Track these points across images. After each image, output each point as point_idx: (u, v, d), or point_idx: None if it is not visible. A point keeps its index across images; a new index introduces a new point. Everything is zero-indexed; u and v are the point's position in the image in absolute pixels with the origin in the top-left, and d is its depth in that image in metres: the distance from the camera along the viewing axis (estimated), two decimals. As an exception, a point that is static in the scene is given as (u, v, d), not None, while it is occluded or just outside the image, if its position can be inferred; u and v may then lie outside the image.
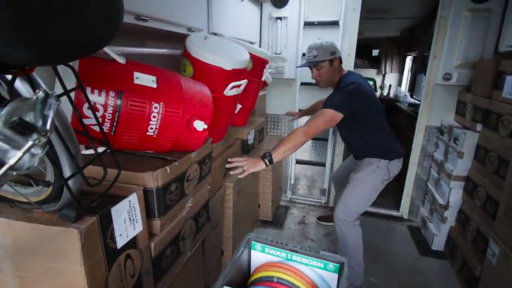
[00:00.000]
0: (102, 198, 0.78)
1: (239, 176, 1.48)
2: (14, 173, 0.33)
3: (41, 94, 0.35)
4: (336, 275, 0.68)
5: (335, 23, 2.32)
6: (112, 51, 0.89)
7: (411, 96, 4.31)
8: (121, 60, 0.90)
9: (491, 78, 1.74)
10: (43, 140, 0.33)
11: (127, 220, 0.81)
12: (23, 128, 0.32)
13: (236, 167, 1.50)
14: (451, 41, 2.09)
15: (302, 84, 2.56)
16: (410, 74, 4.92)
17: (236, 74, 1.27)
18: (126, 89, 0.87)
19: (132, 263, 0.85)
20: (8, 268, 0.73)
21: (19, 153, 0.31)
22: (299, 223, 2.49)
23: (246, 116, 1.83)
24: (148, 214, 0.93)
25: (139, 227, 0.86)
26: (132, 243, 0.84)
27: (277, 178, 2.56)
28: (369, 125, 1.64)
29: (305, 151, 2.98)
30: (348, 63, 2.35)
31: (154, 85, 0.92)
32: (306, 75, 2.60)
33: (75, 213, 0.67)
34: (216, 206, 1.55)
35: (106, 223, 0.74)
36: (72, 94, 0.71)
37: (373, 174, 1.63)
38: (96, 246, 0.71)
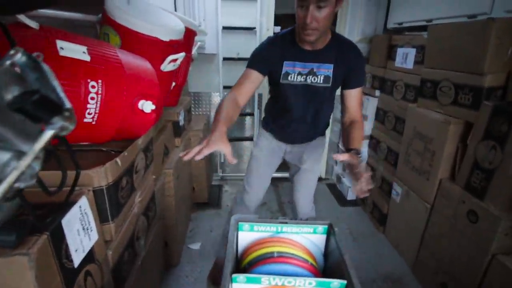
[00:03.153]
0: (43, 209, 0.59)
1: (197, 157, 0.80)
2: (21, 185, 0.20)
3: (19, 56, 0.22)
4: (324, 236, 0.73)
5: (252, -3, 2.30)
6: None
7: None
8: (34, 24, 0.66)
9: (385, 50, 2.09)
10: (71, 126, 0.21)
11: (80, 231, 0.65)
12: (42, 108, 0.19)
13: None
14: (352, 19, 2.38)
15: (225, 59, 2.48)
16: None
17: (173, 46, 1.13)
18: (49, 63, 0.65)
19: (92, 280, 0.70)
20: None
21: (37, 146, 0.19)
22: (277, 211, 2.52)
23: (178, 95, 1.67)
24: (100, 219, 0.77)
25: (94, 236, 0.70)
26: (89, 257, 0.68)
27: (209, 157, 2.50)
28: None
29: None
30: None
31: (87, 58, 0.72)
32: (229, 49, 2.53)
33: (15, 235, 0.49)
34: (159, 195, 1.41)
35: (58, 240, 0.57)
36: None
37: (322, 154, 1.41)
38: (52, 271, 0.54)
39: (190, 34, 1.49)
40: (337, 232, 0.69)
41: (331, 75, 1.09)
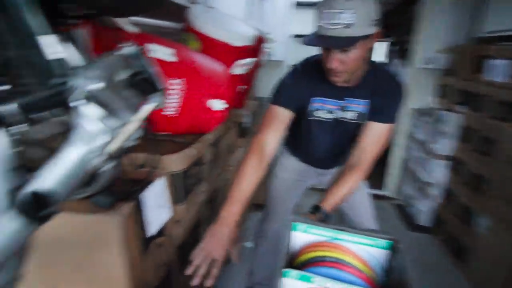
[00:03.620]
0: (130, 184, 0.71)
1: (209, 284, 0.71)
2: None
3: (130, 48, 0.29)
4: (386, 252, 0.68)
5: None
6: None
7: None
8: (131, 28, 0.80)
9: (473, 62, 1.85)
10: (163, 103, 0.27)
11: (157, 206, 0.75)
12: (144, 86, 0.26)
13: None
14: (432, 27, 2.17)
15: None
16: (387, 60, 5.08)
17: (245, 52, 1.21)
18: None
19: (162, 252, 0.80)
20: (38, 269, 0.64)
21: (139, 115, 0.25)
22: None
23: (244, 97, 1.78)
24: (172, 200, 0.87)
25: (168, 213, 0.81)
26: (162, 230, 0.78)
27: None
28: None
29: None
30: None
31: (173, 59, 0.84)
32: (297, 57, 2.57)
33: (110, 199, 0.60)
34: (221, 190, 1.51)
35: (140, 210, 0.68)
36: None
37: None
38: (133, 234, 0.65)
39: (259, 41, 1.58)
40: (403, 249, 0.64)
41: (366, 112, 0.94)
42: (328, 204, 0.85)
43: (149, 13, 1.25)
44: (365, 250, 0.66)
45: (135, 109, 0.28)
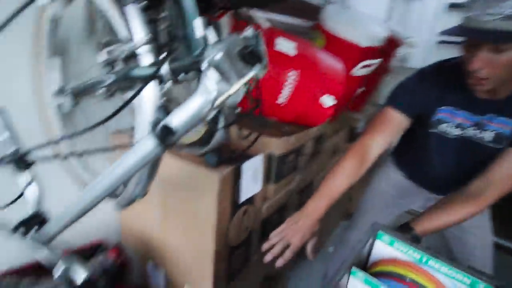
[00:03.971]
0: (233, 154, 0.83)
1: (279, 264, 0.71)
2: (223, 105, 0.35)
3: (251, 31, 0.36)
4: None
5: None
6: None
7: None
8: (266, 24, 0.91)
9: None
10: (263, 72, 0.34)
11: (251, 178, 0.86)
12: (251, 58, 0.34)
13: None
14: None
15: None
16: None
17: (370, 52, 1.17)
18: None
19: (247, 218, 0.90)
20: (156, 190, 0.86)
21: (241, 80, 0.33)
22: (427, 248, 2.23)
23: (363, 101, 1.70)
24: (265, 178, 0.97)
25: (258, 187, 0.90)
26: (250, 199, 0.89)
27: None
28: None
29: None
30: None
31: (293, 52, 0.91)
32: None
33: (216, 159, 0.74)
34: (316, 186, 1.52)
35: (237, 176, 0.79)
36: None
37: None
38: (227, 193, 0.77)
39: (392, 44, 1.47)
40: None
41: (509, 134, 0.73)
42: (422, 227, 0.73)
43: (286, 11, 1.37)
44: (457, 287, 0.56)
45: (241, 76, 0.35)
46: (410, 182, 1.01)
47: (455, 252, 0.99)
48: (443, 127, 0.81)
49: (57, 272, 0.49)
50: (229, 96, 0.34)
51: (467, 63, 0.67)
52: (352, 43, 1.13)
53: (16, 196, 0.53)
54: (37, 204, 0.53)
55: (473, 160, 0.81)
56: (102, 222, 1.04)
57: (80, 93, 0.70)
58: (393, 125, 0.81)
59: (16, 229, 0.49)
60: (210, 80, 0.36)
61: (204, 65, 0.36)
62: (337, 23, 1.14)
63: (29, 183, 0.52)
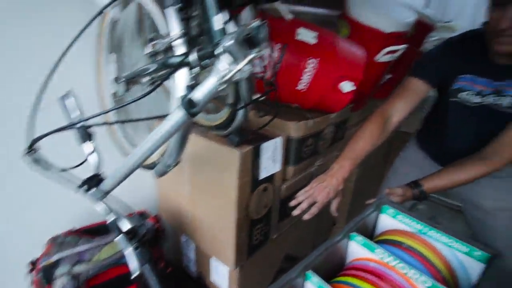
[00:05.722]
0: (254, 135, 0.93)
1: (306, 217, 0.84)
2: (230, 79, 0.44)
3: (256, 23, 0.45)
4: (481, 265, 0.59)
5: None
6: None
7: None
8: (289, 16, 0.98)
9: None
10: (262, 53, 0.43)
11: (270, 158, 0.95)
12: (250, 42, 0.43)
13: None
14: None
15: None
16: None
17: (394, 38, 1.17)
18: (289, 44, 0.96)
19: (267, 195, 1.00)
20: (186, 168, 1.00)
21: (245, 60, 0.42)
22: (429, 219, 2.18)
23: (390, 89, 1.68)
24: (284, 160, 1.05)
25: (277, 167, 0.99)
26: (270, 178, 0.98)
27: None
28: None
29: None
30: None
31: (313, 41, 0.97)
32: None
33: (238, 139, 0.84)
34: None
35: (256, 155, 0.88)
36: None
37: None
38: (247, 170, 0.87)
39: (423, 28, 1.43)
40: (502, 266, 0.55)
41: None
42: (430, 184, 0.77)
43: (312, 2, 1.42)
44: (455, 255, 0.60)
45: (245, 56, 0.45)
46: (432, 162, 1.02)
47: (478, 235, 0.99)
48: (464, 95, 0.83)
49: (109, 220, 0.63)
50: (236, 72, 0.44)
51: (495, 22, 0.69)
52: (375, 29, 1.15)
53: (81, 161, 0.68)
54: (97, 168, 0.67)
55: (492, 130, 0.82)
56: (145, 197, 1.23)
57: (131, 81, 0.86)
58: (414, 92, 0.85)
59: (81, 186, 0.64)
60: (223, 62, 0.45)
61: (218, 51, 0.46)
62: (361, 10, 1.17)
63: (92, 152, 0.67)
